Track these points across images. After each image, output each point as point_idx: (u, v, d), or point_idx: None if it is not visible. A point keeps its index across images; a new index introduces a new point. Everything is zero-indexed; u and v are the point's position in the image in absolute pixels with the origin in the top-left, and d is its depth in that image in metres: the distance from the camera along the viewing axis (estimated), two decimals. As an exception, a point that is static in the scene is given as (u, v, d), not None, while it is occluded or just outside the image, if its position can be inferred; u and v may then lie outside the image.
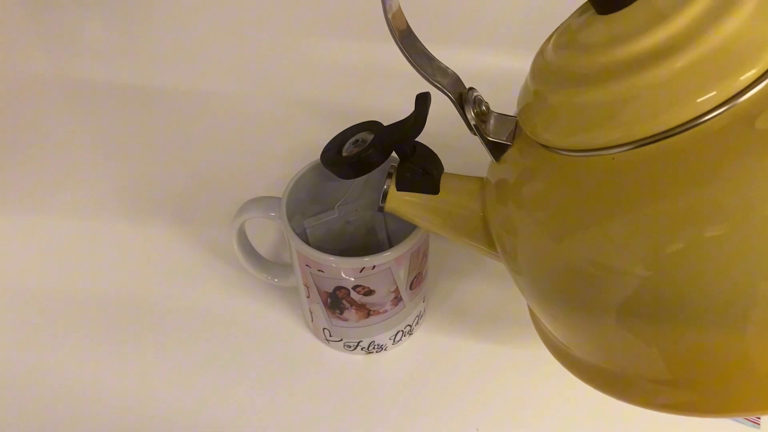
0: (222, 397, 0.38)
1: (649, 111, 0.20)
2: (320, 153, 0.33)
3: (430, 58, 0.28)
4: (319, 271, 0.34)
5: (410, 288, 0.36)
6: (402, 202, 0.32)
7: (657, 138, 0.21)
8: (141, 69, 0.62)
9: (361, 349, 0.39)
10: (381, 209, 0.33)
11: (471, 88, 0.29)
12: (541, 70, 0.25)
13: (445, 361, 0.39)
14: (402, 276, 0.34)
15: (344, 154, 0.32)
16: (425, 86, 0.28)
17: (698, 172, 0.20)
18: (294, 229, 0.34)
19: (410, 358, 0.39)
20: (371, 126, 0.33)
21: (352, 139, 0.33)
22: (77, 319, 0.42)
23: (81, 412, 0.37)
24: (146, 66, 0.62)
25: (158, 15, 0.69)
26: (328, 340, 0.39)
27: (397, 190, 0.32)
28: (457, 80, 0.29)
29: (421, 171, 0.31)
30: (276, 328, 0.41)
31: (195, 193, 0.49)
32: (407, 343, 0.40)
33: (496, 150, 0.28)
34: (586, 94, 0.22)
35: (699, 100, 0.20)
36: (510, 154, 0.28)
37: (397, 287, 0.35)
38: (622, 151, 0.21)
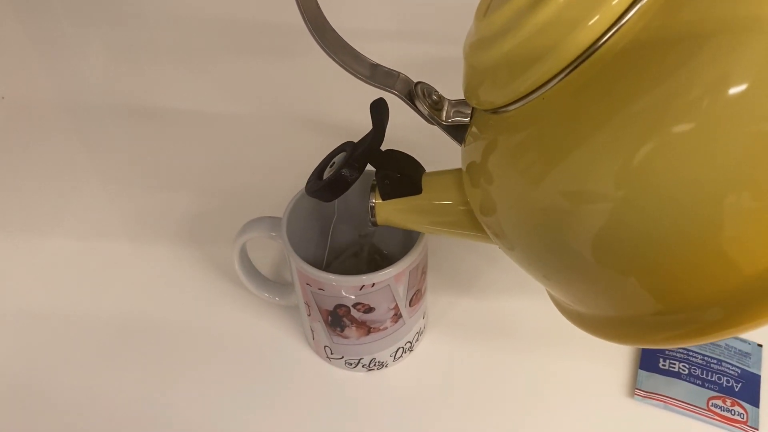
0: (224, 415, 0.38)
1: (551, 45, 0.22)
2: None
3: (374, 66, 0.29)
4: (319, 289, 0.34)
5: (410, 305, 0.36)
6: (391, 212, 0.33)
7: (570, 68, 0.22)
8: (143, 91, 0.63)
9: (362, 366, 0.39)
10: (374, 224, 0.34)
11: (419, 82, 0.30)
12: (469, 45, 0.27)
13: (446, 377, 0.39)
14: (401, 293, 0.35)
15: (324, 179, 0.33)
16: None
17: (621, 86, 0.21)
18: (294, 249, 0.35)
19: (411, 374, 0.40)
20: (344, 146, 0.34)
21: (330, 164, 0.34)
22: (81, 339, 0.42)
23: (79, 422, 0.38)
24: (148, 88, 0.63)
25: (160, 39, 0.70)
26: (329, 358, 0.39)
27: (383, 200, 0.33)
28: (405, 79, 0.30)
29: (398, 175, 0.32)
30: (278, 346, 0.41)
31: (197, 214, 0.50)
32: (408, 359, 0.40)
33: (457, 133, 0.30)
34: (501, 48, 0.24)
35: (590, 24, 0.22)
36: (470, 133, 0.29)
37: (396, 304, 0.35)
38: (547, 89, 0.23)
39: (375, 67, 0.30)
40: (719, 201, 0.20)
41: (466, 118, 0.30)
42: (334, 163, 0.33)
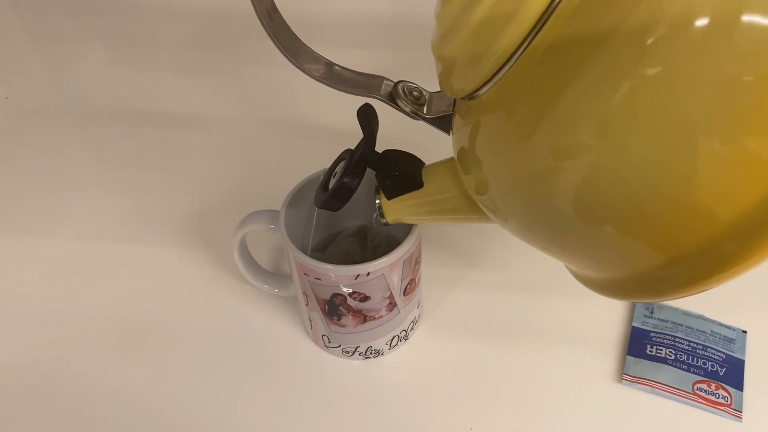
0: (223, 404, 0.39)
1: (504, 20, 0.23)
2: (314, 173, 0.36)
3: (350, 74, 0.31)
4: (316, 279, 0.35)
5: (404, 294, 0.38)
6: (398, 209, 0.34)
7: (528, 39, 0.23)
8: (144, 93, 0.64)
9: (359, 354, 0.40)
10: (386, 224, 0.35)
11: (399, 81, 0.31)
12: (433, 39, 0.28)
13: (440, 365, 0.41)
14: (396, 282, 0.36)
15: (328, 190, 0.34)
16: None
17: (584, 40, 0.22)
18: (292, 240, 0.36)
19: (406, 362, 0.41)
20: (344, 155, 0.35)
21: (333, 174, 0.35)
22: (83, 332, 0.43)
23: (88, 421, 0.39)
24: (149, 90, 0.64)
25: (161, 42, 0.71)
26: (327, 347, 0.41)
27: (388, 199, 0.34)
28: (384, 82, 0.31)
29: (396, 174, 0.33)
30: (277, 336, 0.42)
31: (198, 210, 0.51)
32: (403, 347, 0.41)
33: (443, 124, 0.31)
34: (458, 36, 0.25)
35: None
36: (454, 122, 0.30)
37: (391, 293, 0.37)
38: (513, 64, 0.24)
39: (351, 74, 0.31)
40: (697, 140, 0.20)
41: (450, 108, 0.31)
42: (336, 173, 0.34)
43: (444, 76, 0.28)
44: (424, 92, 0.32)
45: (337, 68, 0.33)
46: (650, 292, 0.25)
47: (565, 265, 0.33)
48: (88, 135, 0.60)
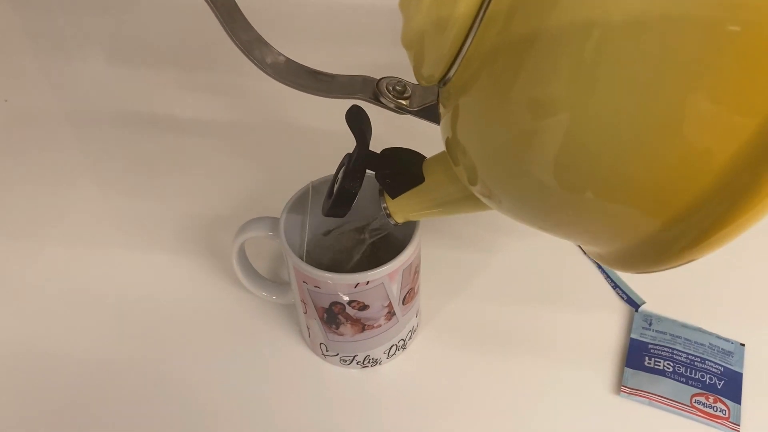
0: (220, 411, 0.39)
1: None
2: (313, 180, 0.35)
3: (331, 78, 0.30)
4: (315, 287, 0.35)
5: (403, 303, 0.37)
6: (404, 207, 0.34)
7: (482, 9, 0.23)
8: (143, 97, 0.64)
9: (357, 363, 0.40)
10: (396, 224, 0.35)
11: (382, 78, 0.31)
12: (401, 33, 0.28)
13: (437, 375, 0.41)
14: (395, 291, 0.36)
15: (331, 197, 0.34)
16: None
17: None
18: (292, 248, 0.36)
19: (404, 371, 0.41)
20: (344, 160, 0.35)
21: (335, 180, 0.35)
22: (80, 337, 0.43)
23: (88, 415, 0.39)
24: (147, 94, 0.64)
25: (160, 45, 0.71)
26: (324, 355, 0.40)
27: (392, 198, 0.34)
28: (365, 81, 0.31)
29: (396, 171, 0.33)
30: (275, 344, 0.42)
31: (197, 216, 0.51)
32: (401, 357, 0.41)
33: (430, 115, 0.30)
34: (416, 21, 0.25)
35: None
36: (439, 112, 0.30)
37: (390, 302, 0.36)
38: (474, 37, 0.23)
39: (332, 79, 0.31)
40: (672, 92, 0.19)
41: (435, 97, 0.31)
42: (338, 179, 0.34)
43: (416, 66, 0.27)
44: (408, 86, 0.32)
45: (320, 74, 0.32)
46: (658, 258, 0.24)
47: (577, 245, 0.32)
48: (86, 138, 0.60)
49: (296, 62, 0.33)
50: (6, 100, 0.64)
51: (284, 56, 0.33)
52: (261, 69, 0.31)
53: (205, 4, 0.30)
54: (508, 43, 0.22)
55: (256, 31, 0.32)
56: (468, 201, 0.32)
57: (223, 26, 0.30)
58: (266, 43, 0.32)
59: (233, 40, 0.30)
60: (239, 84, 0.64)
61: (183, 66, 0.68)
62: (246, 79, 0.65)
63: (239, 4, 0.32)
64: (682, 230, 0.22)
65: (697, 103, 0.19)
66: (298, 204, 0.39)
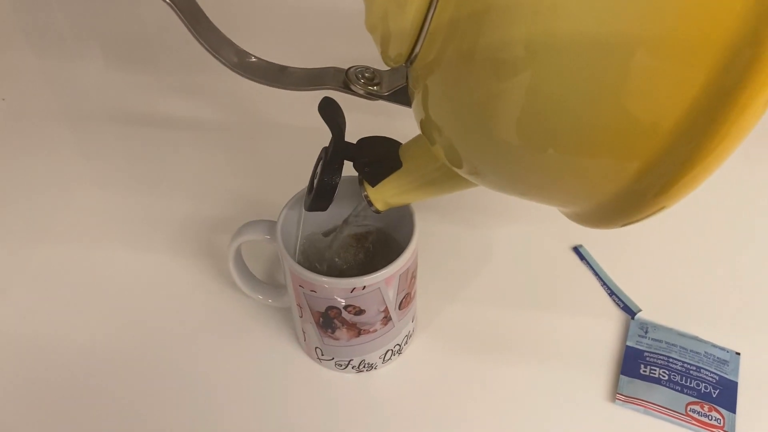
0: (215, 416, 0.39)
1: None
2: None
3: (301, 71, 0.31)
4: (311, 291, 0.35)
5: (399, 308, 0.37)
6: (385, 194, 0.35)
7: None
8: (140, 98, 0.64)
9: (352, 367, 0.40)
10: (377, 212, 0.35)
11: (351, 67, 0.32)
12: (365, 13, 0.28)
13: (433, 380, 0.40)
14: (391, 296, 0.36)
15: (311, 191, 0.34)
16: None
17: None
18: (288, 252, 0.36)
19: (399, 376, 0.41)
20: (321, 154, 0.35)
21: (314, 175, 0.35)
22: (75, 340, 0.43)
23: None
24: (145, 95, 0.64)
25: (157, 46, 0.71)
26: (320, 359, 0.40)
27: (372, 186, 0.34)
28: (335, 72, 0.32)
29: (374, 159, 0.34)
30: (270, 347, 0.42)
31: (193, 218, 0.51)
32: (396, 362, 0.41)
33: (401, 98, 0.31)
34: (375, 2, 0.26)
35: None
36: (409, 93, 0.30)
37: (386, 307, 0.36)
38: (432, 13, 0.24)
39: (302, 72, 0.31)
40: (623, 40, 0.20)
41: (404, 79, 0.31)
42: (317, 173, 0.35)
43: (383, 48, 0.28)
44: (377, 72, 0.33)
45: (290, 68, 0.33)
46: (633, 208, 0.25)
47: (558, 209, 0.32)
48: (84, 138, 0.60)
49: (264, 60, 0.33)
50: (3, 99, 0.63)
51: (251, 54, 0.33)
52: (230, 68, 0.31)
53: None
54: (467, 12, 0.23)
55: (221, 32, 0.33)
56: (446, 180, 0.33)
57: (188, 28, 0.31)
58: (232, 43, 0.33)
59: (200, 42, 0.30)
60: (237, 86, 0.64)
61: (182, 66, 0.67)
62: (244, 81, 0.65)
63: (206, 5, 0.32)
64: (653, 179, 0.23)
65: (649, 51, 0.20)
66: (295, 207, 0.39)
